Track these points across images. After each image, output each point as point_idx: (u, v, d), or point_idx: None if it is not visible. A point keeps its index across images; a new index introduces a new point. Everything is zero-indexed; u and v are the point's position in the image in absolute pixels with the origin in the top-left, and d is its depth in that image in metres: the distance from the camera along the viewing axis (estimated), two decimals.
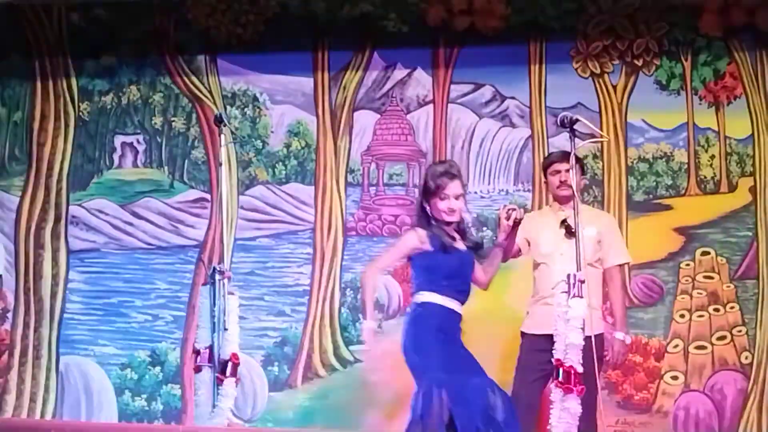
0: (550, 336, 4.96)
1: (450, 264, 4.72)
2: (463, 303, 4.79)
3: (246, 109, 6.74)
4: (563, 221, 5.17)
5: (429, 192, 4.78)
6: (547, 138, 6.52)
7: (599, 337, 4.95)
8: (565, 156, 5.29)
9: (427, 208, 4.78)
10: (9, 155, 6.84)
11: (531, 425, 5.09)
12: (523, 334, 5.31)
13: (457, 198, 4.77)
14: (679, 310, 6.35)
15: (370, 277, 4.82)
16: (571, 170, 4.75)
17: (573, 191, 4.70)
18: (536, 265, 5.32)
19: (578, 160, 5.38)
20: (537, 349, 5.08)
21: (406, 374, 6.37)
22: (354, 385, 6.35)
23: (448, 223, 4.80)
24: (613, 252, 5.31)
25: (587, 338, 4.87)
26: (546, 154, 6.27)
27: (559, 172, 5.27)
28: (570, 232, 5.02)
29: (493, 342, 5.77)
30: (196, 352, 4.48)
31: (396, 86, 6.68)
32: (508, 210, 4.81)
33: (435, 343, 4.64)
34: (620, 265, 5.36)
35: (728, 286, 6.35)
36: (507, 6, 6.53)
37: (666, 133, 6.52)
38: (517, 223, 4.82)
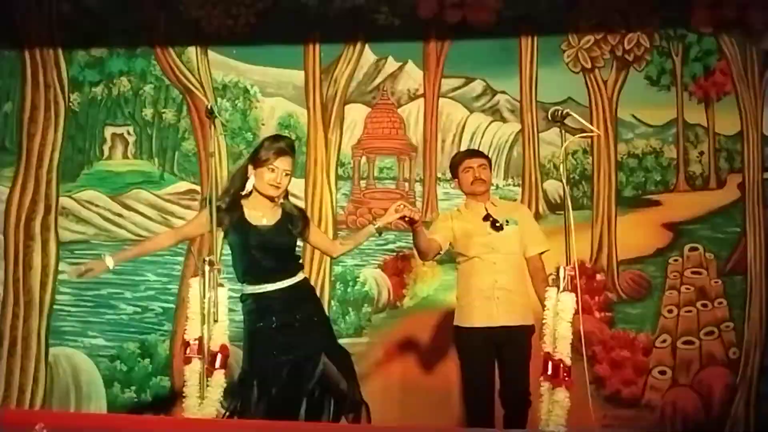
0: (493, 328, 5.00)
1: (255, 238, 4.68)
2: (287, 273, 4.75)
3: (237, 102, 6.73)
4: (487, 216, 5.23)
5: (258, 161, 4.71)
6: (538, 132, 6.53)
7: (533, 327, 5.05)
8: (474, 153, 5.49)
9: (251, 178, 4.71)
10: None
11: (488, 417, 5.08)
12: (460, 328, 5.22)
13: (286, 175, 4.72)
14: (667, 306, 6.37)
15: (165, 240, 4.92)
16: (562, 165, 4.75)
17: (563, 186, 4.70)
18: (465, 260, 5.29)
19: (486, 156, 5.46)
20: (482, 343, 5.10)
21: (393, 367, 6.42)
22: None
23: (267, 197, 4.73)
24: (533, 242, 5.32)
25: (527, 328, 4.96)
26: (536, 149, 6.30)
27: (471, 168, 5.31)
28: (495, 226, 5.17)
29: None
30: (186, 344, 4.46)
31: (387, 80, 6.69)
32: (400, 205, 4.83)
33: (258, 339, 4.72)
34: (540, 254, 5.36)
35: (716, 282, 6.38)
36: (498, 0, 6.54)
37: (655, 129, 6.55)
38: (412, 222, 4.88)
